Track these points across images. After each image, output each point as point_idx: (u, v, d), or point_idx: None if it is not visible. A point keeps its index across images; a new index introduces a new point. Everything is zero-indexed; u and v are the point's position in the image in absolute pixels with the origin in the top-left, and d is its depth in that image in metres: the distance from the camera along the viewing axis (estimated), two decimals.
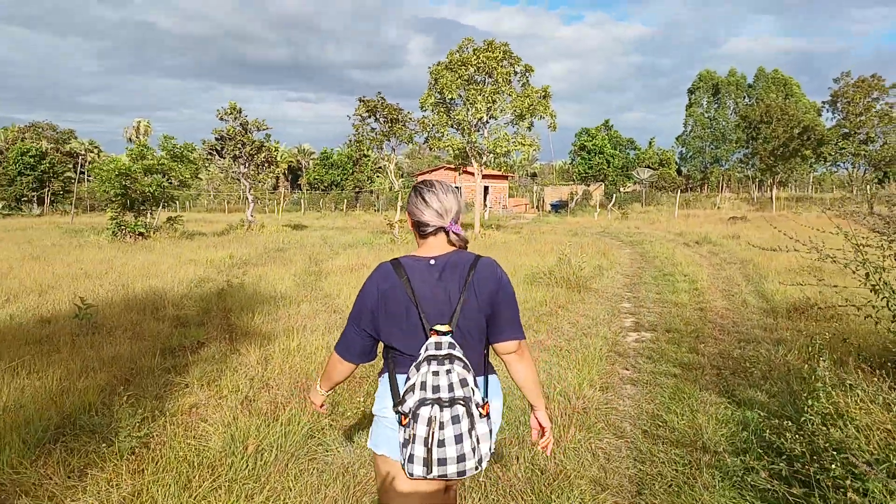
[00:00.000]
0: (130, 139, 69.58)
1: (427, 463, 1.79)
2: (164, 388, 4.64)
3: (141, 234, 17.48)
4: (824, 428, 3.08)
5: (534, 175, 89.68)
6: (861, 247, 4.49)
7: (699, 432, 3.87)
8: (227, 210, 53.25)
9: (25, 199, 43.18)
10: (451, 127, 18.92)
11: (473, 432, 1.83)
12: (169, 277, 10.21)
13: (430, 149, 18.71)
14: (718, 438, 3.78)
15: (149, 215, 18.46)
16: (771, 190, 45.36)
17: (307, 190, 64.57)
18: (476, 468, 1.84)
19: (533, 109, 18.73)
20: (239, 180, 21.69)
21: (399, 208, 19.38)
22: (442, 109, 18.82)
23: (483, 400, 1.89)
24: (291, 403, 4.22)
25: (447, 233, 2.06)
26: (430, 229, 2.04)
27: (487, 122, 19.17)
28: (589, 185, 48.94)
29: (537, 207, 50.75)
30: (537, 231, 22.80)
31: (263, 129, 21.61)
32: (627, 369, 5.43)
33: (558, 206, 43.69)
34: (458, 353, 1.86)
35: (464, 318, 1.95)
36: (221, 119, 21.15)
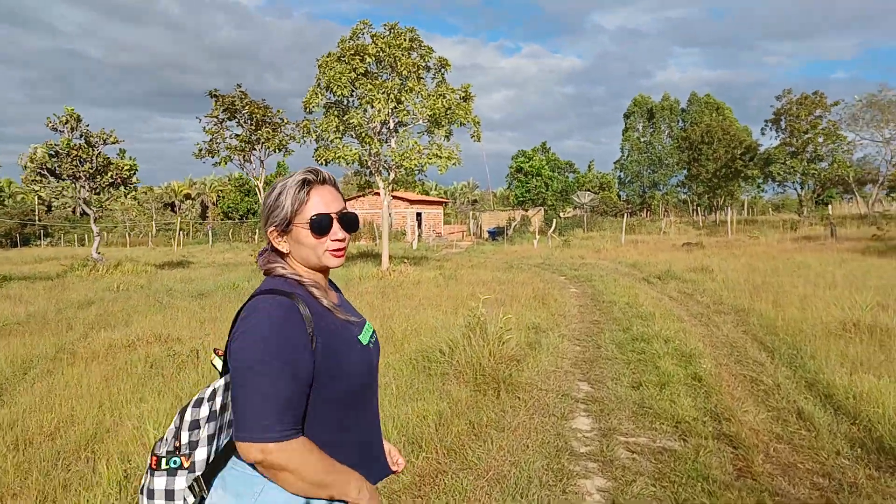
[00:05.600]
0: (25, 167, 62.53)
1: None
2: None
3: None
4: None
5: (474, 202, 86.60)
6: None
7: None
8: (151, 244, 47.45)
9: None
10: (348, 134, 14.74)
11: (145, 485, 1.41)
12: None
13: (318, 161, 14.47)
14: None
15: None
16: (718, 213, 43.31)
17: (221, 219, 59.02)
18: None
19: (451, 114, 14.77)
20: (81, 206, 16.71)
21: None
22: (334, 113, 14.60)
23: (166, 453, 1.40)
24: None
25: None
26: None
27: (395, 128, 15.08)
28: (527, 211, 45.61)
29: (475, 235, 47.07)
30: (465, 264, 18.77)
31: (112, 143, 16.84)
32: None
33: (496, 234, 40.08)
34: (207, 399, 1.43)
35: None
36: (55, 129, 16.28)
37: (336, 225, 1.47)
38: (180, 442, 1.41)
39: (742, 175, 45.13)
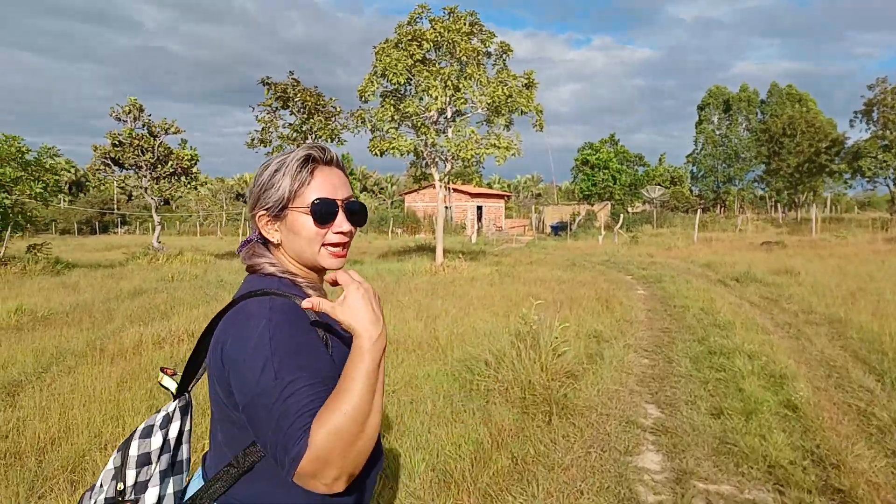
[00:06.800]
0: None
1: None
2: None
3: None
4: None
5: (538, 196, 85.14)
6: None
7: None
8: (219, 234, 48.94)
9: None
10: (405, 123, 14.14)
11: None
12: None
13: (372, 152, 13.94)
14: None
15: None
16: (799, 210, 40.72)
17: None
18: None
19: (512, 102, 13.98)
20: (144, 195, 16.89)
21: None
22: (390, 101, 14.05)
23: (105, 501, 1.13)
24: None
25: None
26: None
27: (452, 118, 14.42)
28: (593, 205, 44.14)
29: (537, 229, 45.99)
30: (524, 260, 17.99)
31: (173, 133, 16.92)
32: None
33: (559, 228, 38.92)
34: (160, 427, 1.20)
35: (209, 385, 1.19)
36: (118, 119, 16.47)
37: (341, 215, 1.23)
38: (125, 484, 1.14)
39: (827, 170, 42.20)
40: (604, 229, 33.31)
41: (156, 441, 1.17)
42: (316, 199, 1.18)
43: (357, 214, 1.25)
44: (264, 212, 1.22)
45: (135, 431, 1.18)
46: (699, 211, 35.94)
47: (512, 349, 5.21)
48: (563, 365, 5.12)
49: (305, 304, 1.07)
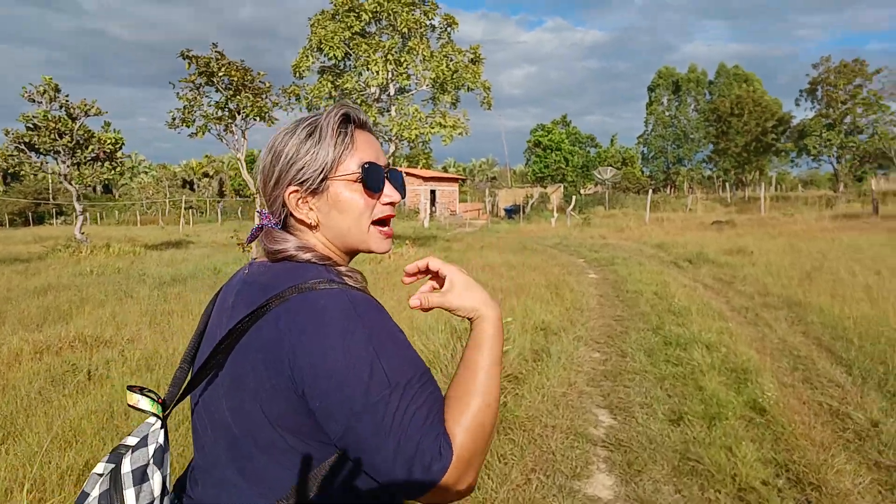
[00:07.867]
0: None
1: None
2: None
3: None
4: None
5: (493, 179, 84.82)
6: None
7: None
8: (161, 223, 46.86)
9: None
10: (343, 101, 13.25)
11: None
12: None
13: None
14: None
15: None
16: (747, 189, 41.35)
17: (233, 197, 58.27)
18: None
19: (458, 78, 13.24)
20: (63, 183, 15.56)
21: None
22: (328, 77, 13.13)
23: None
24: None
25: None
26: None
27: (395, 95, 13.59)
28: (546, 187, 43.91)
29: (491, 213, 45.57)
30: (476, 245, 17.38)
31: (94, 114, 15.58)
32: None
33: (512, 212, 38.59)
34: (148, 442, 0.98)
35: (210, 396, 0.98)
36: (31, 100, 15.04)
37: (388, 184, 1.05)
38: None
39: (773, 149, 42.94)
40: (556, 212, 33.06)
41: (156, 485, 0.96)
42: (366, 163, 1.00)
43: (400, 183, 1.08)
44: (296, 188, 1.00)
45: (118, 476, 0.94)
46: (650, 191, 36.05)
47: (446, 350, 4.56)
48: (504, 367, 4.50)
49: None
